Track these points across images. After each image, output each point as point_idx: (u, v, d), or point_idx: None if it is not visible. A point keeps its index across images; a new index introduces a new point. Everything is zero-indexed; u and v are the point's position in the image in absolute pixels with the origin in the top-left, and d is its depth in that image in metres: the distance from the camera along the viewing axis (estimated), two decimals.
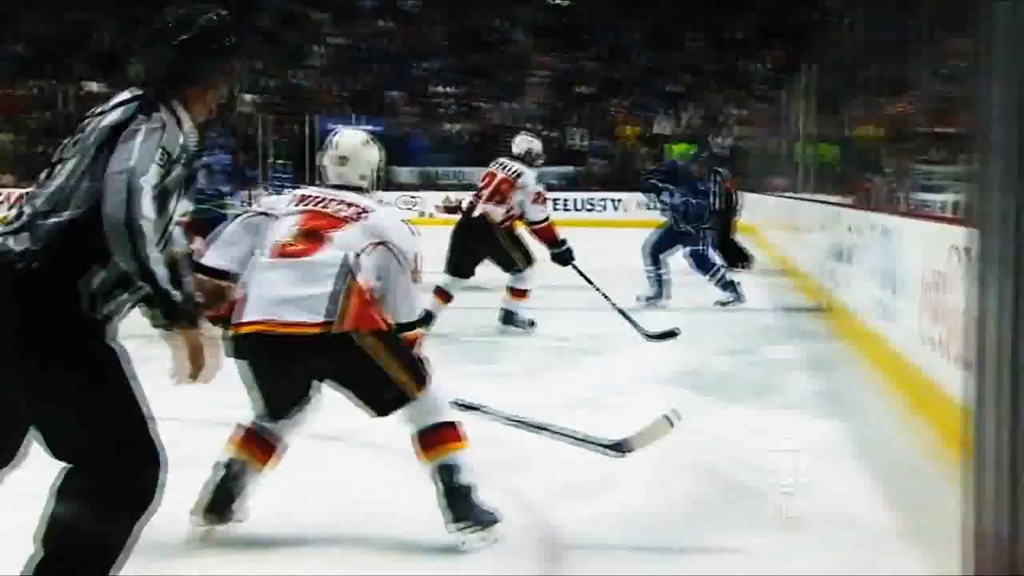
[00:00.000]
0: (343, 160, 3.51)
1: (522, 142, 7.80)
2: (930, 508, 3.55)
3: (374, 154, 3.58)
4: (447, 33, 31.54)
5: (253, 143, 26.11)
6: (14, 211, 2.39)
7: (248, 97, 28.41)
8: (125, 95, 2.46)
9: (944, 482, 3.83)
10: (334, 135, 3.61)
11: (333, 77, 30.29)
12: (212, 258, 3.25)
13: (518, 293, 7.50)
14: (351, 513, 3.51)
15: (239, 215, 3.47)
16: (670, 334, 6.99)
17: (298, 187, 3.53)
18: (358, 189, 3.46)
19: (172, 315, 2.32)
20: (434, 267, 8.79)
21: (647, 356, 6.63)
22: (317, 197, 3.39)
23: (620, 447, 3.48)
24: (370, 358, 3.12)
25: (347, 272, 3.15)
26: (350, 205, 3.34)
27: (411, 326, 3.31)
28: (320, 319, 3.07)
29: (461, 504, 3.14)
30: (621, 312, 7.30)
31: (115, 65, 30.39)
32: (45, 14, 31.26)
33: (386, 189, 24.54)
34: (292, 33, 30.76)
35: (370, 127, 26.96)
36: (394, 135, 27.75)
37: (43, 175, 2.41)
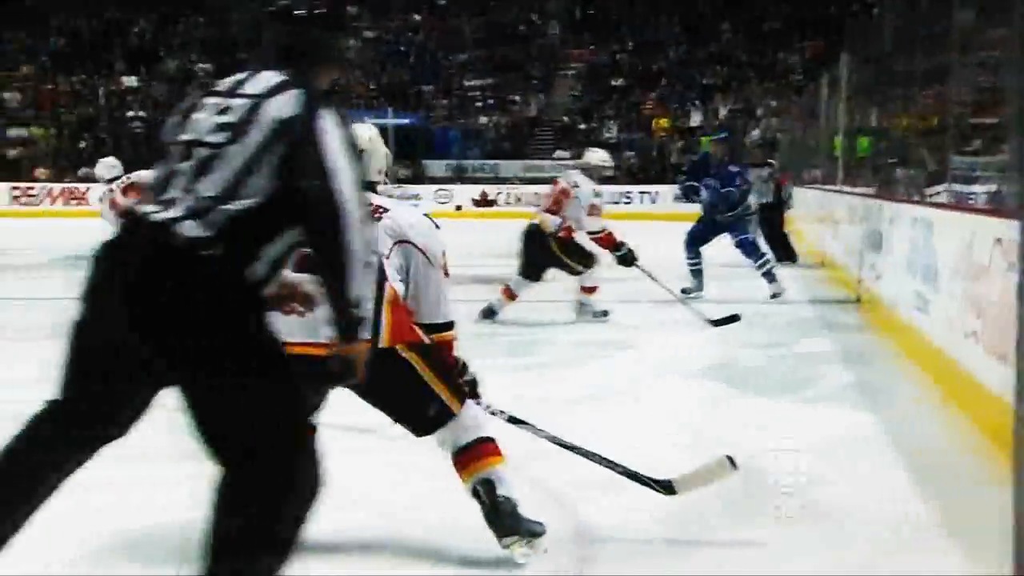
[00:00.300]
0: (360, 154, 3.30)
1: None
2: (968, 503, 3.51)
3: (384, 147, 3.38)
4: (479, 26, 31.55)
5: None
6: (171, 193, 2.27)
7: None
8: (271, 75, 2.36)
9: (981, 476, 3.79)
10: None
11: (366, 71, 30.39)
12: None
13: (586, 289, 7.76)
14: (353, 514, 3.45)
15: None
16: (732, 319, 7.17)
17: None
18: (372, 186, 3.20)
19: (351, 329, 2.29)
20: (465, 261, 8.85)
21: (680, 349, 6.62)
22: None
23: (669, 487, 3.35)
24: (412, 374, 2.97)
25: (380, 282, 2.92)
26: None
27: (444, 327, 3.13)
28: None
29: (506, 519, 3.01)
30: (682, 302, 7.70)
31: (150, 60, 30.78)
32: (83, 10, 31.54)
33: (419, 183, 24.64)
34: None
35: (406, 120, 27.08)
36: (428, 128, 27.86)
37: (174, 157, 2.31)
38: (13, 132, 27.88)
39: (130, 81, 29.87)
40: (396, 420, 3.08)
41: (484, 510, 3.03)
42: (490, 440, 3.08)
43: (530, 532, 3.04)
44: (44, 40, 31.24)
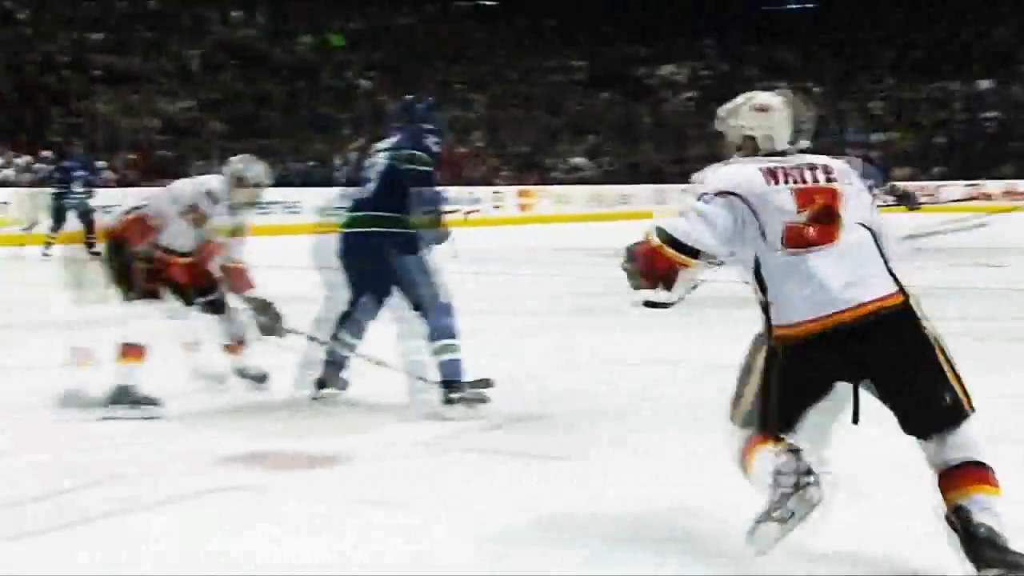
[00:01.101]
0: (802, 122, 3.00)
1: None
2: None
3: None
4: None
5: None
6: None
7: None
8: None
9: None
10: (755, 98, 3.02)
11: None
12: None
13: None
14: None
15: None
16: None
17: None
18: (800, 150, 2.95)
19: None
20: None
21: None
22: (790, 170, 2.83)
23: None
24: (932, 348, 2.63)
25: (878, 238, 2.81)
26: (818, 167, 2.87)
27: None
28: (894, 290, 2.69)
29: (985, 549, 2.52)
30: None
31: (1006, 63, 32.76)
32: (948, 20, 35.22)
33: None
34: None
35: None
36: None
37: None
38: (875, 137, 29.75)
39: (986, 84, 32.57)
40: (892, 405, 2.67)
41: (959, 537, 2.60)
42: (984, 465, 2.63)
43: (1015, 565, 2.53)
44: (903, 49, 35.01)
